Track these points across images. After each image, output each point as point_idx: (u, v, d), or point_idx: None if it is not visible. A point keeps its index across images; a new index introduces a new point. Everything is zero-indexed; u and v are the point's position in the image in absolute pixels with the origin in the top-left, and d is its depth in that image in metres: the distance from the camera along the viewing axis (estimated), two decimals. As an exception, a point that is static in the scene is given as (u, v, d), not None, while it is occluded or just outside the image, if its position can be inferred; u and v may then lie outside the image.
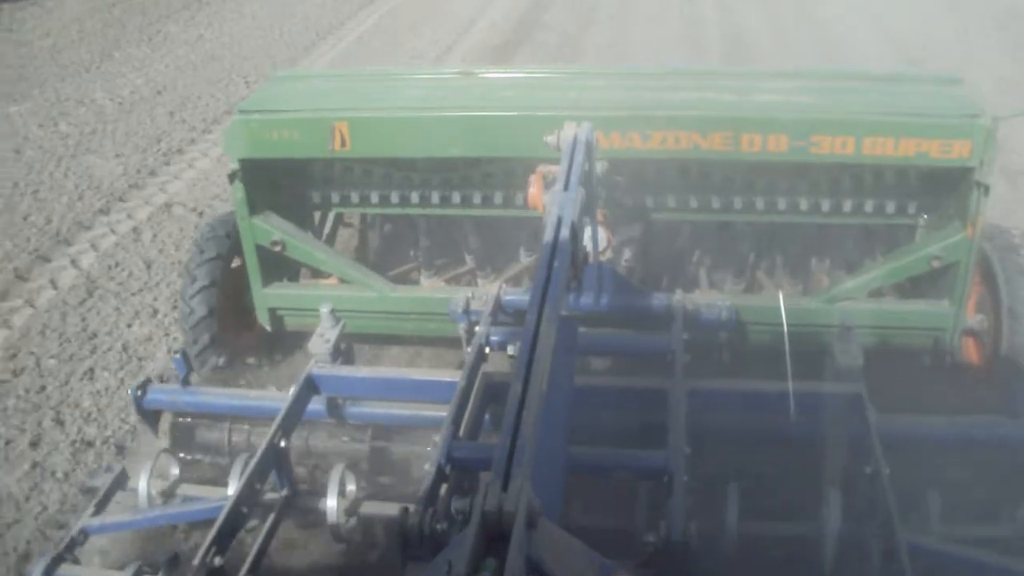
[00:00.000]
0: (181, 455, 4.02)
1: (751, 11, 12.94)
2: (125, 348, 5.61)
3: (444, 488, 2.97)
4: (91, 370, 5.41)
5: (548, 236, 2.81)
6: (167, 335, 5.70)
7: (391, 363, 5.08)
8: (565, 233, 2.80)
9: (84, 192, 7.78)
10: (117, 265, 6.58)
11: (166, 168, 8.32)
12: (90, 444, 4.80)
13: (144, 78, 10.61)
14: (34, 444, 4.78)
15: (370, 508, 3.63)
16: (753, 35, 11.93)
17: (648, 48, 11.36)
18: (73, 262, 6.71)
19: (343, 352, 3.96)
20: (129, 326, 5.84)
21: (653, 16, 12.84)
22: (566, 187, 3.06)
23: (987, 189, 4.06)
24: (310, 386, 3.78)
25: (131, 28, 12.61)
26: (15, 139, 8.93)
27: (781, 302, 4.30)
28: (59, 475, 4.56)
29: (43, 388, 5.25)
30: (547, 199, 3.11)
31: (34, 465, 4.65)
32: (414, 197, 4.83)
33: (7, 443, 4.80)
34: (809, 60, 10.47)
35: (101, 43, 11.81)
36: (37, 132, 9.06)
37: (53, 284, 6.40)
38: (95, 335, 5.74)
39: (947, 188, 4.34)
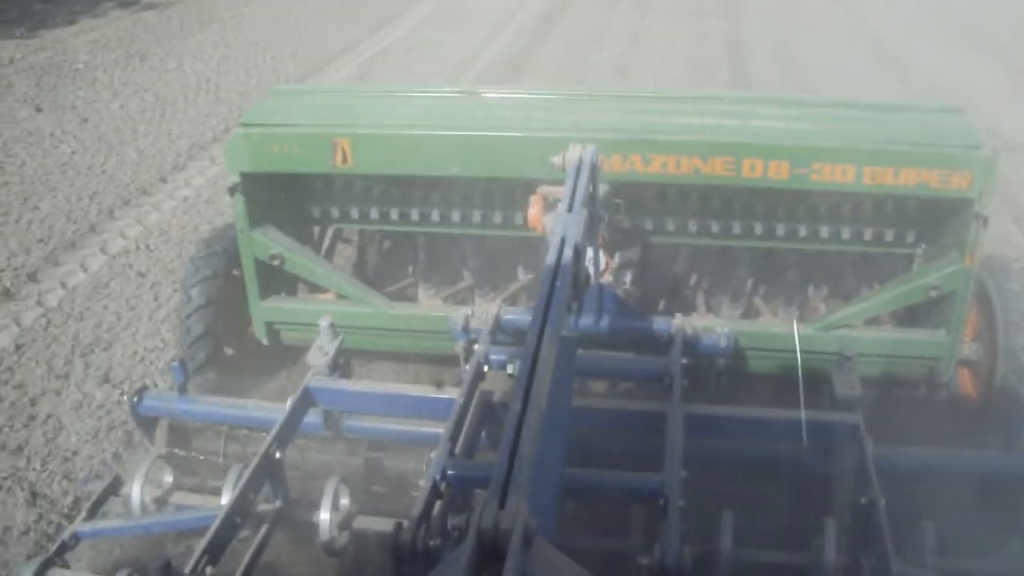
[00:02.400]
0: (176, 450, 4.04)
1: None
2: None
3: (438, 505, 2.97)
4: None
5: (551, 257, 2.81)
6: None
7: (386, 380, 5.07)
8: (568, 254, 2.81)
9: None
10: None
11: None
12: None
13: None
14: None
15: (363, 522, 3.62)
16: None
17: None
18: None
19: (341, 366, 3.96)
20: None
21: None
22: (570, 208, 3.07)
23: (986, 220, 4.07)
24: (307, 398, 3.78)
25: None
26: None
27: (795, 329, 4.33)
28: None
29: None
30: (548, 220, 3.13)
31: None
32: (414, 214, 4.84)
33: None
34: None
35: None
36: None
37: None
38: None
39: (946, 218, 4.36)
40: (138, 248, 7.08)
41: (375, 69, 12.22)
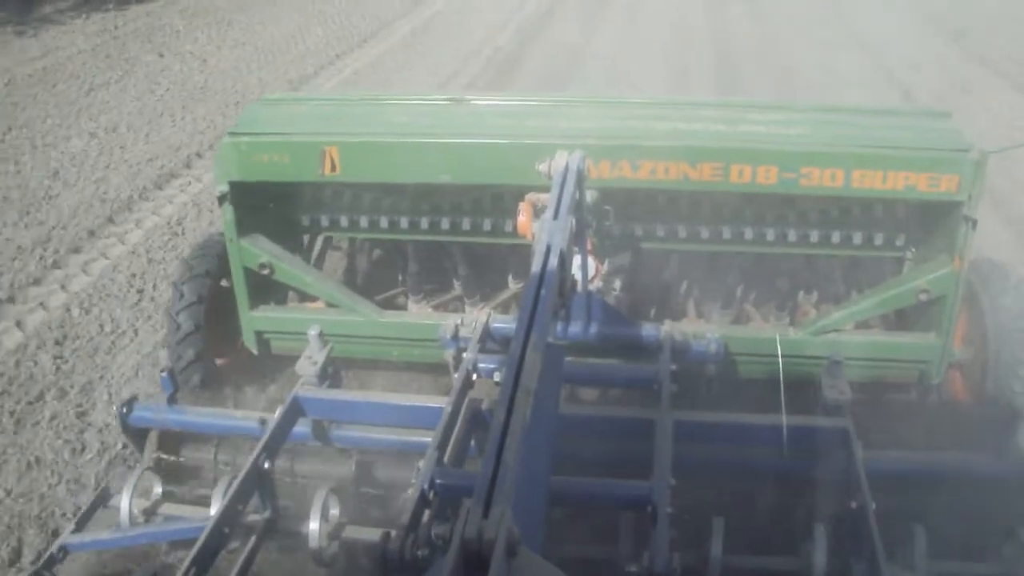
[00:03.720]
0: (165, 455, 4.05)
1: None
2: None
3: (427, 514, 2.96)
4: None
5: (536, 264, 2.81)
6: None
7: (377, 390, 5.06)
8: (554, 261, 2.80)
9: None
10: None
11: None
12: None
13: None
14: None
15: (352, 532, 3.61)
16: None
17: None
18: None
19: (330, 375, 3.95)
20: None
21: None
22: (556, 215, 3.06)
23: (975, 223, 4.08)
24: (296, 408, 3.77)
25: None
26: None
27: (778, 336, 4.33)
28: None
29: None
30: (536, 227, 3.12)
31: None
32: (403, 222, 4.84)
33: None
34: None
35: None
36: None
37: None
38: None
39: (935, 222, 4.36)
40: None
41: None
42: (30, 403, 5.27)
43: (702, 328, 4.43)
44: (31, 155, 9.06)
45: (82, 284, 6.60)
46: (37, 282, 6.64)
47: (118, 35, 13.93)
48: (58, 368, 5.62)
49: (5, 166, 8.78)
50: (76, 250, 7.12)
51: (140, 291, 6.50)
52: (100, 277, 6.69)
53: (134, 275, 6.70)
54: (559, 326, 4.12)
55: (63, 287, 6.56)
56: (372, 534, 3.52)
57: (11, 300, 6.39)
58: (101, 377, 5.53)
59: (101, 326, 6.04)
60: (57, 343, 5.86)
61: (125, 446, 4.70)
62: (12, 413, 5.17)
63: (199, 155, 9.20)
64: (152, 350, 5.76)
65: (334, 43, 13.75)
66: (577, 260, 3.69)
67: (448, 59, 12.93)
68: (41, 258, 6.94)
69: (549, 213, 3.08)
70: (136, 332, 5.99)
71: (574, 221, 3.17)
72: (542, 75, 12.09)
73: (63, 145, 9.35)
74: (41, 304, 6.32)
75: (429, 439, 3.29)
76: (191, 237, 7.22)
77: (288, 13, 15.58)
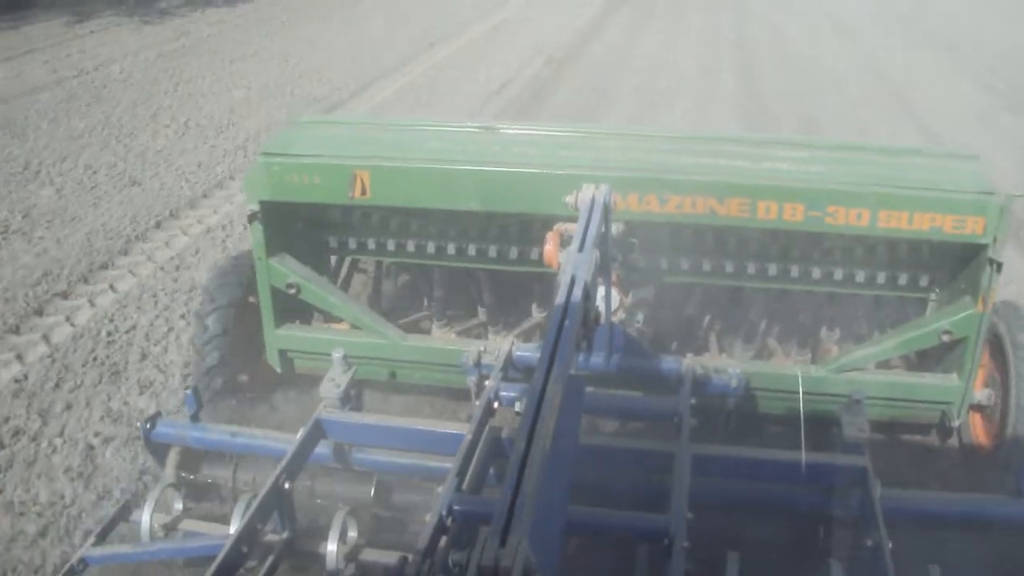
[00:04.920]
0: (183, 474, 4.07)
1: None
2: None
3: (444, 540, 2.97)
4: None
5: (561, 295, 2.84)
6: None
7: (397, 412, 5.08)
8: (578, 293, 2.83)
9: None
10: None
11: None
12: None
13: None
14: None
15: (370, 555, 3.63)
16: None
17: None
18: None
19: (353, 398, 3.97)
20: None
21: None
22: (581, 248, 3.09)
23: (1000, 266, 4.08)
24: (317, 430, 3.80)
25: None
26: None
27: (799, 373, 4.33)
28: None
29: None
30: (563, 258, 3.14)
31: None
32: (430, 247, 4.88)
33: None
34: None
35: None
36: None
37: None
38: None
39: (960, 263, 4.36)
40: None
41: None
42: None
43: (724, 362, 4.44)
44: (206, 100, 11.89)
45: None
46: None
47: (237, 24, 17.02)
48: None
49: (189, 103, 11.68)
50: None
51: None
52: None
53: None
54: (581, 357, 4.13)
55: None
56: (389, 557, 3.54)
57: (230, 178, 9.11)
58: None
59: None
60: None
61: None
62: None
63: (343, 102, 12.14)
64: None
65: (420, 37, 16.37)
66: (601, 292, 3.71)
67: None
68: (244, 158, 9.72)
69: (575, 245, 3.11)
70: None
71: (599, 254, 3.19)
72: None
73: (228, 94, 12.19)
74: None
75: (449, 465, 3.30)
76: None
77: (383, 9, 19.20)
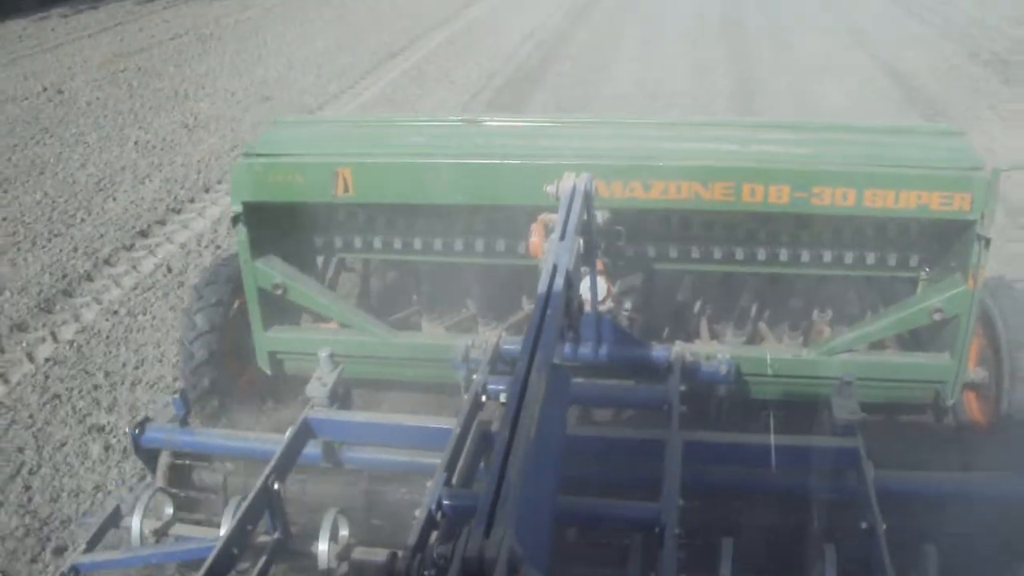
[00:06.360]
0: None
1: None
2: None
3: (434, 535, 2.95)
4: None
5: (543, 285, 2.81)
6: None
7: (390, 409, 5.06)
8: (560, 282, 2.81)
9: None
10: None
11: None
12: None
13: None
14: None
15: (361, 553, 3.61)
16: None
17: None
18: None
19: (341, 397, 3.95)
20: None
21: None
22: (562, 236, 3.07)
23: (988, 242, 4.05)
24: (306, 430, 3.78)
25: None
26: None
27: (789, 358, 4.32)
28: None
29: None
30: (546, 248, 3.12)
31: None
32: (417, 243, 4.85)
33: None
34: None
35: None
36: None
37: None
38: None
39: (948, 241, 4.34)
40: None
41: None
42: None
43: (713, 349, 4.41)
44: (291, 49, 15.37)
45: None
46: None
47: (263, 8, 19.22)
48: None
49: (268, 64, 14.30)
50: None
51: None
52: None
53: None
54: (569, 347, 4.11)
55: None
56: (381, 555, 3.51)
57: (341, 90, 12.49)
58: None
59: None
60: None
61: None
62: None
63: (396, 54, 14.99)
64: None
65: (426, 15, 18.31)
66: (586, 281, 3.69)
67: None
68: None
69: (556, 234, 3.09)
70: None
71: (582, 242, 3.17)
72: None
73: (311, 45, 15.68)
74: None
75: (438, 460, 3.28)
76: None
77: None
